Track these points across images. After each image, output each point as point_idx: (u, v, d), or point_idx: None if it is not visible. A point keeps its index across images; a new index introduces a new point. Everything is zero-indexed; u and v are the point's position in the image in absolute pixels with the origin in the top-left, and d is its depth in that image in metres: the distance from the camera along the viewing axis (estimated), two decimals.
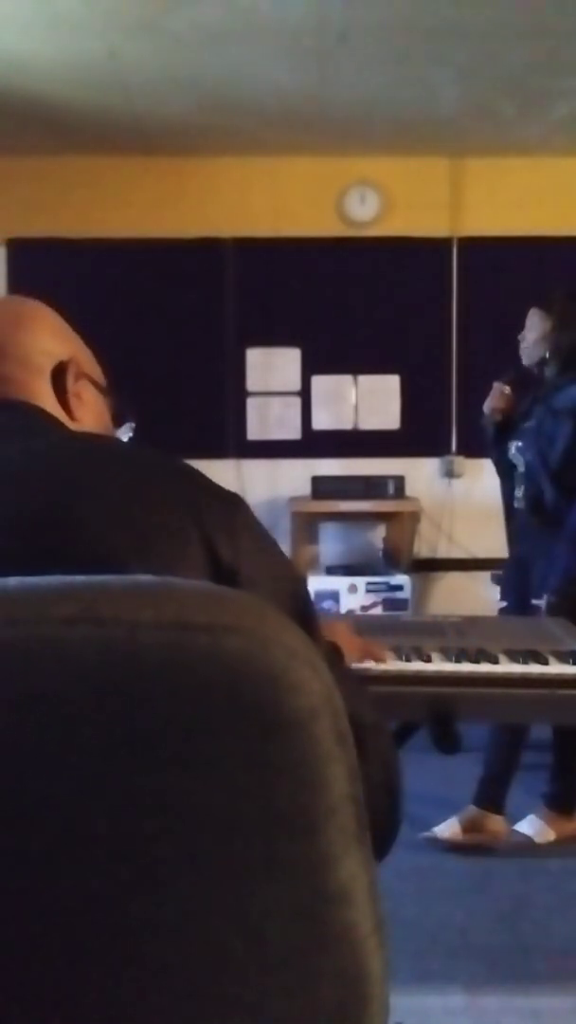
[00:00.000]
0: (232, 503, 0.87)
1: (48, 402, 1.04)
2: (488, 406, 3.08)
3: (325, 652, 0.90)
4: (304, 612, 0.90)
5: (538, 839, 2.93)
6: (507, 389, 3.05)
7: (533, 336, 2.95)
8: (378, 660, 1.57)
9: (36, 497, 0.83)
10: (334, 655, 0.93)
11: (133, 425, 0.91)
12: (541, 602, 2.79)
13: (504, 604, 3.09)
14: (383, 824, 0.90)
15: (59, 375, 1.07)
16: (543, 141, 4.37)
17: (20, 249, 4.53)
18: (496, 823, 3.00)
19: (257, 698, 0.63)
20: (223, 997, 0.68)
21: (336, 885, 0.67)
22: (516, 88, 3.80)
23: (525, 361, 2.99)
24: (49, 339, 1.10)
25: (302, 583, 0.94)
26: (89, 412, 1.08)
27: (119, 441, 0.93)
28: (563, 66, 3.58)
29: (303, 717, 0.64)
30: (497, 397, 3.06)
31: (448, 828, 2.99)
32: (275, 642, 0.64)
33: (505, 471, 3.11)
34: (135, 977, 0.67)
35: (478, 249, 4.59)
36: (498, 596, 3.23)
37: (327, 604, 4.12)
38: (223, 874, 0.66)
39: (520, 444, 2.99)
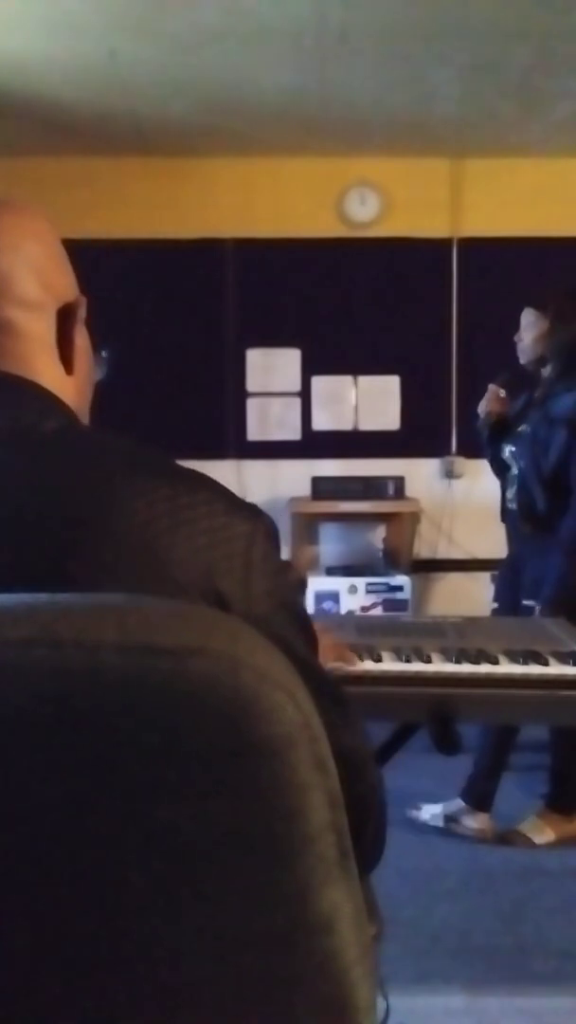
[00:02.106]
0: (249, 534, 0.79)
1: (46, 357, 0.90)
2: (483, 408, 3.08)
3: (326, 680, 0.86)
4: (307, 633, 0.86)
5: (538, 840, 2.94)
6: (502, 392, 3.05)
7: (530, 336, 2.94)
8: (347, 662, 1.56)
9: (26, 531, 0.74)
10: (335, 683, 0.87)
11: (107, 354, 0.87)
12: (532, 603, 2.79)
13: (495, 605, 3.09)
14: (371, 853, 0.89)
15: (64, 318, 0.92)
16: (543, 141, 4.37)
17: None
18: (480, 820, 3.00)
19: (225, 724, 0.60)
20: None
21: (317, 914, 0.65)
22: (516, 88, 3.80)
23: (522, 360, 2.98)
24: (57, 268, 0.93)
25: (303, 603, 0.91)
26: (83, 360, 0.95)
27: (122, 449, 0.81)
28: (563, 66, 3.58)
29: (276, 744, 0.61)
30: (492, 399, 3.06)
31: (434, 812, 3.02)
32: (245, 665, 0.60)
33: (499, 472, 3.11)
34: (107, 1008, 0.65)
35: (478, 249, 4.58)
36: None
37: (327, 605, 4.12)
38: (196, 902, 0.63)
39: (514, 449, 2.99)
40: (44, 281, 0.90)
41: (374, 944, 0.97)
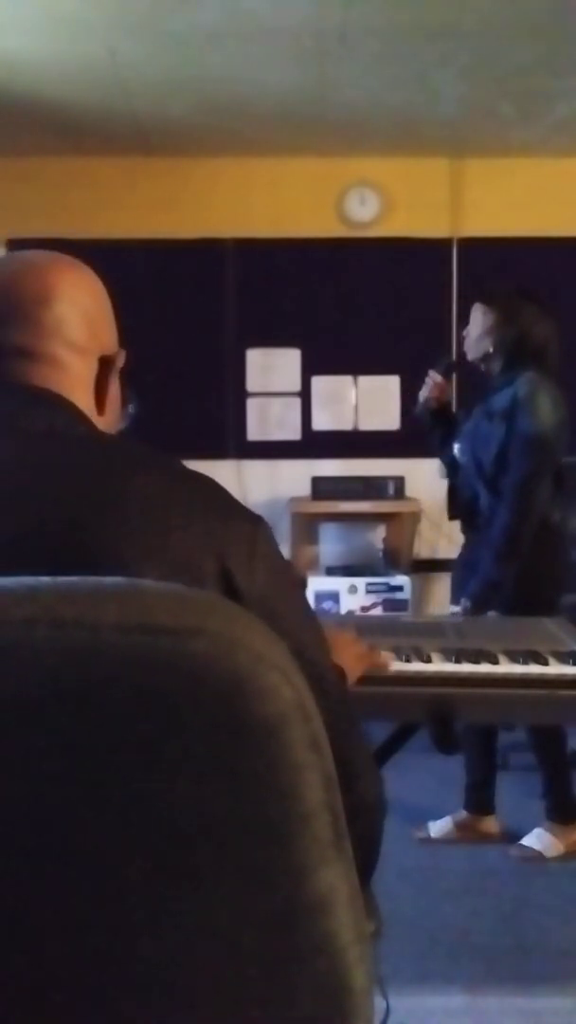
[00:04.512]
0: (252, 531, 0.86)
1: (83, 395, 0.99)
2: (422, 395, 3.03)
3: (333, 680, 0.90)
4: (318, 635, 0.90)
5: (548, 853, 2.87)
6: (439, 378, 3.00)
7: (476, 331, 2.89)
8: (381, 668, 1.56)
9: (51, 511, 0.81)
10: (340, 684, 0.92)
11: (133, 407, 0.92)
12: (458, 607, 2.78)
13: (456, 609, 2.98)
14: (362, 862, 0.89)
15: (104, 365, 1.03)
16: (543, 141, 4.37)
17: (20, 250, 4.52)
18: (488, 824, 3.00)
19: (222, 703, 0.61)
20: (196, 1006, 0.67)
21: (312, 894, 0.65)
22: (516, 88, 3.80)
23: (469, 357, 2.94)
24: (104, 321, 1.04)
25: (306, 599, 0.94)
26: (113, 405, 1.06)
27: (142, 450, 0.90)
28: (563, 66, 3.58)
29: (272, 723, 0.62)
30: (431, 386, 3.01)
31: (442, 828, 3.00)
32: (241, 645, 0.62)
33: (449, 469, 3.07)
34: (103, 987, 0.66)
35: (478, 249, 4.58)
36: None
37: (327, 605, 4.12)
38: (192, 881, 0.64)
39: (460, 445, 2.96)
40: (92, 330, 1.00)
41: (373, 941, 0.97)
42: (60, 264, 1.01)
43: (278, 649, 0.64)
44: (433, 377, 3.02)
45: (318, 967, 0.67)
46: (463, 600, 2.79)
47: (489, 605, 2.73)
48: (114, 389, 1.05)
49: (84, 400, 0.99)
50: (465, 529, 3.04)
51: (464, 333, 2.96)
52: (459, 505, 3.01)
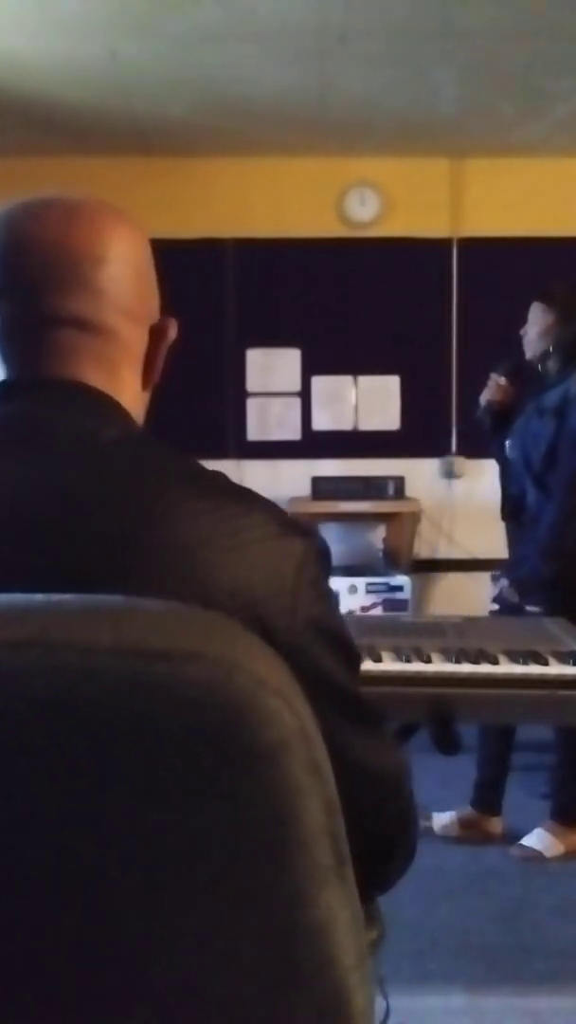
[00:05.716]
0: (299, 560, 0.78)
1: (132, 370, 0.90)
2: (484, 398, 3.04)
3: (359, 701, 0.85)
4: (349, 659, 0.84)
5: (548, 853, 2.86)
6: (503, 380, 3.00)
7: (536, 330, 2.90)
8: None
9: (86, 533, 0.73)
10: (366, 706, 0.85)
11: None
12: (535, 609, 2.77)
13: (495, 607, 3.03)
14: (395, 866, 0.90)
15: (155, 335, 0.93)
16: (543, 141, 4.37)
17: None
18: (492, 824, 3.00)
19: (220, 729, 0.60)
20: None
21: (312, 919, 0.64)
22: (516, 88, 3.79)
23: (528, 355, 2.94)
24: (153, 284, 0.93)
25: (346, 628, 0.85)
26: (155, 380, 0.96)
27: (183, 461, 0.81)
28: (563, 66, 3.58)
29: (271, 749, 0.61)
30: (493, 389, 3.01)
31: (445, 823, 3.00)
32: (241, 670, 0.60)
33: (503, 466, 3.08)
34: (100, 1011, 0.65)
35: (478, 249, 4.58)
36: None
37: None
38: (189, 906, 0.63)
39: (510, 441, 2.95)
40: (143, 294, 0.91)
41: (376, 948, 0.97)
42: (110, 215, 0.88)
43: (279, 672, 0.63)
44: (496, 380, 3.01)
45: (318, 991, 0.66)
46: (506, 580, 2.81)
47: (531, 595, 2.73)
48: (160, 363, 0.96)
49: (132, 376, 0.90)
50: (514, 525, 3.03)
51: (522, 332, 2.95)
52: (507, 501, 3.00)
